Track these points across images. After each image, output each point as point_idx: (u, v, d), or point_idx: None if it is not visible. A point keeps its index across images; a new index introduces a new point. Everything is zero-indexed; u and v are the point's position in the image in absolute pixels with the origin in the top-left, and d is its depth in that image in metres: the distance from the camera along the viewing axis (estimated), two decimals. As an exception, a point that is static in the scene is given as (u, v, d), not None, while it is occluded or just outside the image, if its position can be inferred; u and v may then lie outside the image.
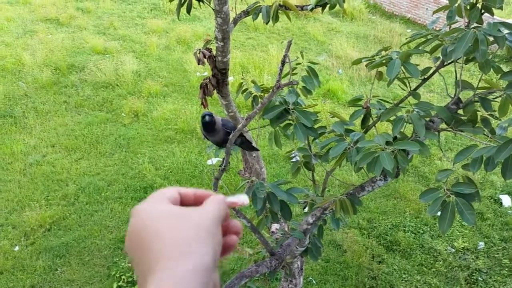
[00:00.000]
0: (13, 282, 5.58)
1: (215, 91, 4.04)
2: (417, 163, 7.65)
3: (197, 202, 0.66)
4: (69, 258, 5.89)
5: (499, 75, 2.36)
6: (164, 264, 0.54)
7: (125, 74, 9.75)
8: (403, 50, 2.44)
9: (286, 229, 3.77)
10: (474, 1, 2.41)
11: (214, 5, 3.29)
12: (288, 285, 4.16)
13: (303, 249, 3.21)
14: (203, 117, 2.26)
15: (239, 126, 2.29)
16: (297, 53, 3.06)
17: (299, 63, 2.91)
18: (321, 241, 3.31)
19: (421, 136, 2.37)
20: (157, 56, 10.78)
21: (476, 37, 2.09)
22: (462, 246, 6.11)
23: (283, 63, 2.05)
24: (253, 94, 3.04)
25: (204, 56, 3.76)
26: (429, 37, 2.38)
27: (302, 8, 3.86)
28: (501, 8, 2.37)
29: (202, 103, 4.20)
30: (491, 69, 2.36)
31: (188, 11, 3.60)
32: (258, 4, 3.53)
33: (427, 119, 2.53)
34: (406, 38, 2.64)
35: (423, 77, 2.64)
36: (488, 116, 2.47)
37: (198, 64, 3.81)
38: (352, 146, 2.47)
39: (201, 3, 3.64)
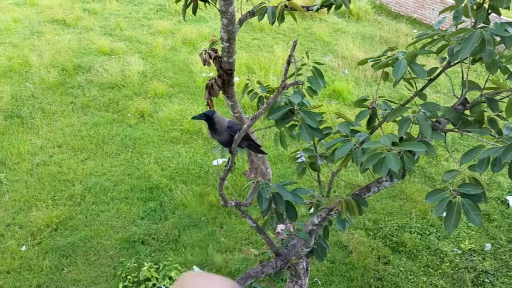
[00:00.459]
0: (20, 282, 5.61)
1: (220, 92, 4.05)
2: (424, 164, 7.61)
3: None
4: (75, 258, 5.92)
5: (506, 75, 2.35)
6: None
7: (131, 75, 9.79)
8: (409, 50, 2.43)
9: (291, 229, 3.76)
10: (481, 1, 2.40)
11: (219, 6, 3.30)
12: (294, 286, 4.15)
13: (309, 249, 3.21)
14: (203, 113, 2.29)
15: (244, 126, 2.29)
16: (303, 53, 3.06)
17: (305, 64, 2.91)
18: (327, 242, 3.30)
19: (427, 137, 2.36)
20: (163, 57, 10.82)
21: (483, 37, 2.08)
22: (469, 247, 6.07)
23: (288, 63, 2.05)
24: (259, 95, 3.04)
25: (210, 57, 3.77)
26: (435, 37, 2.37)
27: (307, 8, 3.86)
28: (508, 8, 2.36)
29: (208, 104, 4.21)
30: (498, 70, 2.35)
31: (194, 12, 3.61)
32: (264, 5, 3.53)
33: (434, 119, 2.52)
34: (412, 39, 2.63)
35: (429, 78, 2.63)
36: (495, 117, 2.45)
37: (204, 64, 3.82)
38: (358, 147, 2.47)
39: (206, 4, 3.64)
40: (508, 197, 6.92)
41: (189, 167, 7.44)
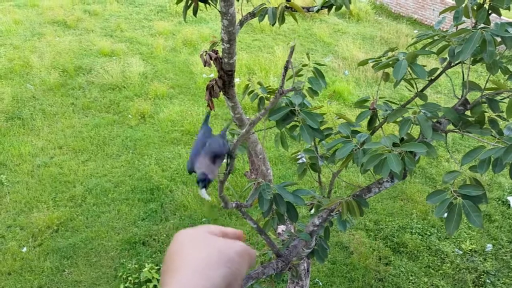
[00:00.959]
0: (21, 283, 5.62)
1: (221, 93, 4.05)
2: (424, 165, 7.61)
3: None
4: (76, 259, 5.92)
5: (507, 76, 2.35)
6: (176, 278, 0.61)
7: (132, 76, 9.79)
8: (410, 51, 2.43)
9: (292, 230, 3.76)
10: (481, 2, 2.40)
11: (220, 7, 3.30)
12: (295, 287, 4.15)
13: (310, 250, 3.20)
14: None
15: (243, 131, 2.28)
16: (303, 54, 3.06)
17: (305, 65, 2.91)
18: (328, 243, 3.30)
19: (428, 138, 2.36)
20: (163, 58, 10.83)
21: (484, 38, 2.08)
22: (470, 248, 6.06)
23: (285, 69, 2.05)
24: (259, 96, 3.04)
25: (211, 58, 3.77)
26: (435, 37, 2.37)
27: (308, 9, 3.86)
28: (508, 8, 2.36)
29: (209, 105, 4.21)
30: (499, 70, 2.35)
31: (195, 13, 3.61)
32: (264, 6, 3.53)
33: (434, 120, 2.52)
34: (413, 38, 2.63)
35: (430, 78, 2.63)
36: (495, 117, 2.45)
37: (205, 65, 3.82)
38: (358, 148, 2.47)
39: (207, 5, 3.64)
40: (509, 198, 6.91)
41: (190, 168, 7.43)
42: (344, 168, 2.86)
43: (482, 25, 2.36)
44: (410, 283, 5.65)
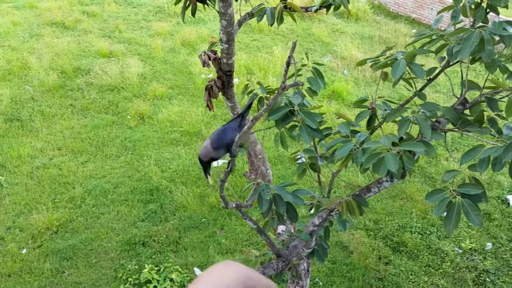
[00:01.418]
0: (21, 285, 5.61)
1: (220, 93, 4.05)
2: (424, 164, 7.61)
3: None
4: (76, 261, 5.91)
5: (506, 74, 2.35)
6: None
7: (131, 77, 9.79)
8: (408, 50, 2.43)
9: (292, 230, 3.76)
10: (479, 0, 2.40)
11: (218, 8, 3.30)
12: (295, 287, 4.15)
13: (310, 250, 3.21)
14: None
15: (245, 128, 2.29)
16: (302, 54, 3.06)
17: (304, 65, 2.91)
18: (328, 243, 3.30)
19: (427, 137, 2.36)
20: (162, 58, 10.82)
21: (482, 37, 2.08)
22: (470, 247, 6.07)
23: (288, 64, 2.05)
24: (259, 96, 3.04)
25: (209, 58, 3.77)
26: (434, 37, 2.37)
27: (306, 9, 3.86)
28: (506, 7, 2.36)
29: (208, 105, 4.21)
30: (497, 69, 2.35)
31: (193, 13, 3.62)
32: (263, 6, 3.53)
33: (433, 119, 2.52)
34: (411, 37, 2.63)
35: (428, 78, 2.63)
36: (494, 116, 2.45)
37: (203, 66, 3.83)
38: (358, 147, 2.47)
39: (205, 6, 3.65)
40: (508, 196, 6.92)
41: (189, 169, 7.43)
42: (344, 167, 2.86)
43: (480, 24, 2.36)
44: (410, 282, 5.66)
